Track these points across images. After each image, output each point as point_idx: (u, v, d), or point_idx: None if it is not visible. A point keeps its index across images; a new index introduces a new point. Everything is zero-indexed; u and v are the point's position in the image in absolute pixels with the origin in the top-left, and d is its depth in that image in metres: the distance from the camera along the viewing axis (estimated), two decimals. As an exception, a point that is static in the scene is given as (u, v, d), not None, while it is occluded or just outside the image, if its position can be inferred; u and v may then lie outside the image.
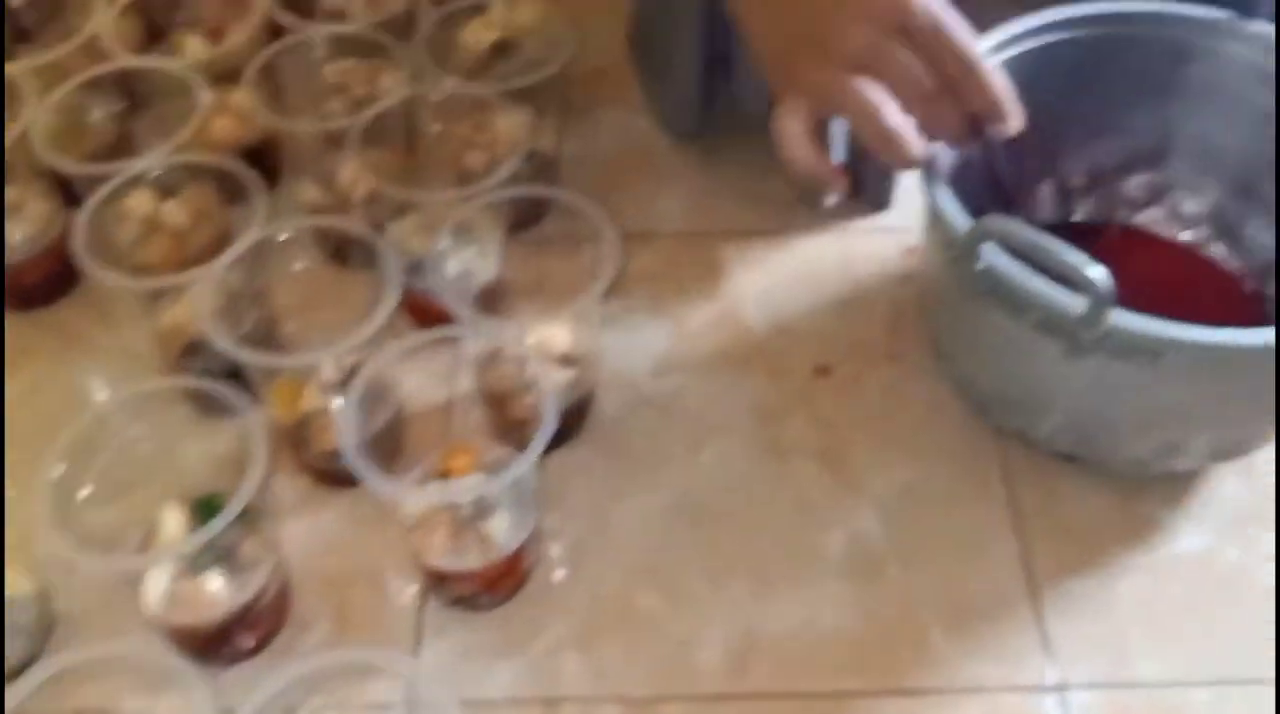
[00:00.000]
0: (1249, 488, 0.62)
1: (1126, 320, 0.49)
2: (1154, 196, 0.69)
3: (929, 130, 0.53)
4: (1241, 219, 0.66)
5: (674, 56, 0.76)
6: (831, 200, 0.55)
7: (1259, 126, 0.63)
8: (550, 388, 0.56)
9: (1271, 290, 0.66)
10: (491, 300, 0.66)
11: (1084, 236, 0.69)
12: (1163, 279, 0.68)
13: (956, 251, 0.53)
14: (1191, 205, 0.68)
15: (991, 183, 0.59)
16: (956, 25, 0.51)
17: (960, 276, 0.53)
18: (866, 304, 0.72)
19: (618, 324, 0.71)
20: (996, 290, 0.53)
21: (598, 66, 0.86)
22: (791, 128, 0.54)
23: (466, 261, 0.65)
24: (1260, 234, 0.66)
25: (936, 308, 0.63)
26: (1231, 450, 0.58)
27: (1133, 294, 0.64)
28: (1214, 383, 0.53)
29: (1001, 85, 0.53)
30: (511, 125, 0.73)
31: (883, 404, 0.67)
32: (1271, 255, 0.66)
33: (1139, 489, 0.62)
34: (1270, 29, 0.61)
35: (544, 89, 0.73)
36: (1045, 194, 0.70)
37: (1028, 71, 0.62)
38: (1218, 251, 0.68)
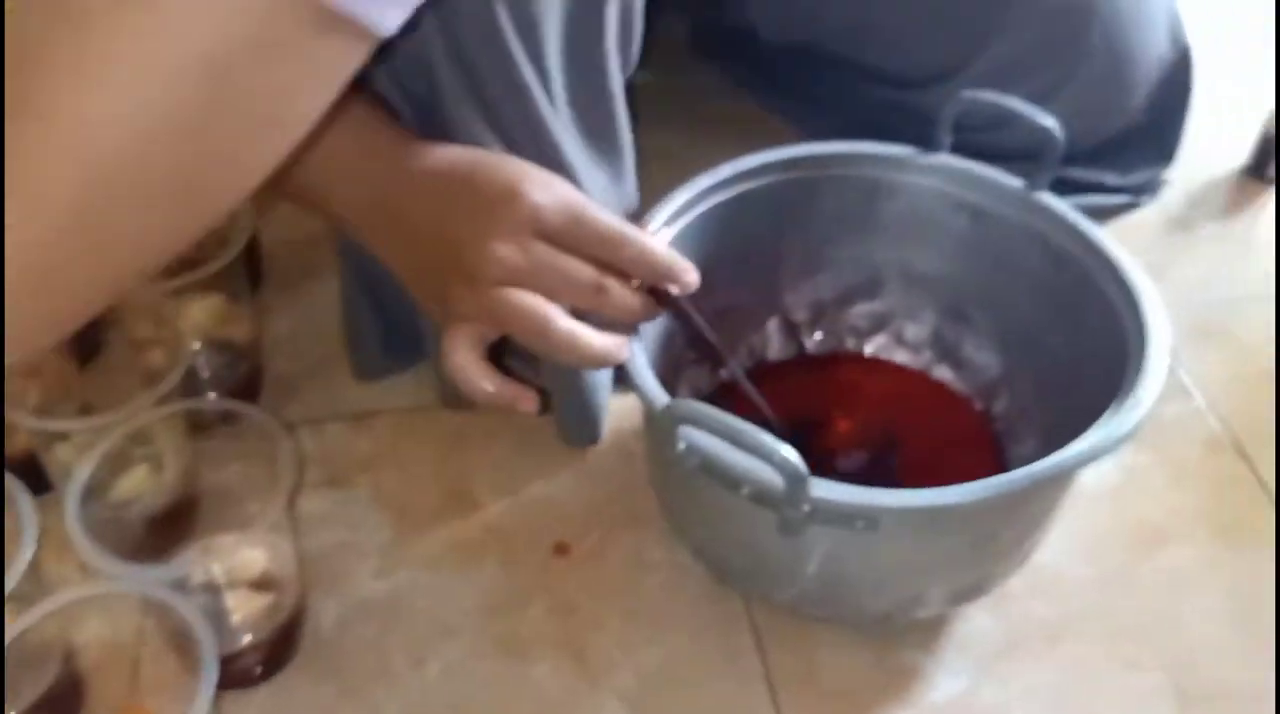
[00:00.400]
0: (999, 621, 0.60)
1: (830, 493, 0.47)
2: (877, 325, 0.68)
3: (610, 317, 0.50)
4: (959, 342, 0.66)
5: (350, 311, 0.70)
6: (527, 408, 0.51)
7: (959, 253, 0.63)
8: (214, 631, 0.49)
9: (998, 409, 0.65)
10: (173, 522, 0.58)
11: (815, 368, 0.70)
12: (897, 405, 0.68)
13: (657, 433, 0.49)
14: (912, 332, 0.67)
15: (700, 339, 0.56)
16: (593, 210, 0.49)
17: (667, 457, 0.50)
18: (603, 466, 0.68)
19: (335, 521, 0.65)
20: (705, 467, 0.49)
21: (310, 232, 0.81)
22: (460, 359, 0.50)
23: (136, 483, 0.58)
24: (978, 355, 0.66)
25: (661, 479, 0.59)
26: (971, 592, 0.56)
27: (868, 422, 0.63)
28: (936, 539, 0.51)
29: (659, 250, 0.51)
30: (198, 316, 0.66)
31: (626, 578, 0.63)
32: (993, 374, 0.65)
33: (893, 639, 0.59)
34: (953, 160, 0.61)
35: (229, 272, 0.66)
36: (773, 330, 0.69)
37: (741, 214, 0.61)
38: (944, 374, 0.67)
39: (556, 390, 0.64)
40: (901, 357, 0.68)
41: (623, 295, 0.50)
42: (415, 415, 0.71)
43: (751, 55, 0.86)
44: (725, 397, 0.66)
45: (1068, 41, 0.72)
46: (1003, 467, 0.63)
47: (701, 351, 0.57)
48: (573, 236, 0.48)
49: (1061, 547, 0.62)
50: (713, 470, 0.49)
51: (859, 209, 0.63)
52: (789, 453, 0.45)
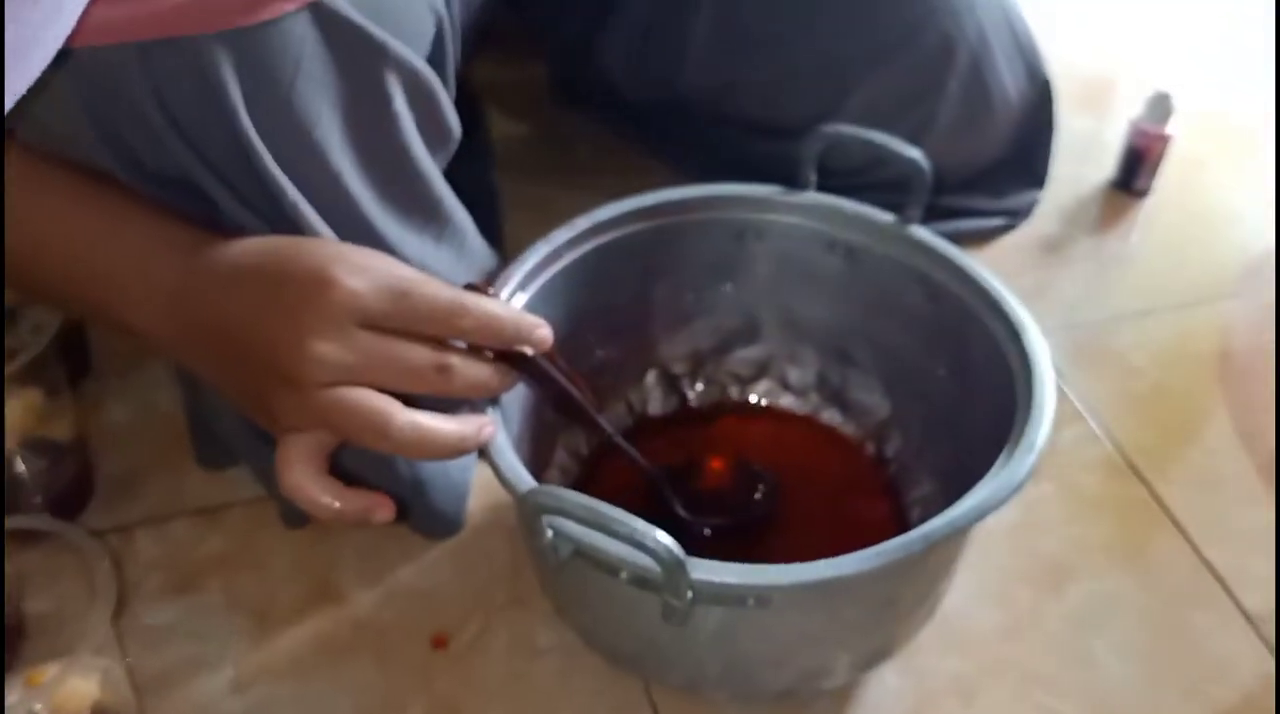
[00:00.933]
0: (909, 681, 0.57)
1: (714, 574, 0.42)
2: (759, 371, 0.65)
3: (462, 397, 0.45)
4: (845, 384, 0.63)
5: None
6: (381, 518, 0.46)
7: (836, 293, 0.60)
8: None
9: (890, 451, 0.62)
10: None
11: (698, 421, 0.66)
12: (786, 454, 0.64)
13: (522, 522, 0.45)
14: (796, 376, 0.64)
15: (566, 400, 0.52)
16: (420, 284, 0.44)
17: (535, 546, 0.45)
18: (480, 546, 0.63)
19: (184, 633, 0.58)
20: (579, 554, 0.45)
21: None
22: (294, 479, 0.44)
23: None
24: (866, 396, 0.63)
25: (538, 563, 0.54)
26: (878, 657, 0.53)
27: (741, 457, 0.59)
28: (834, 610, 0.47)
29: (501, 312, 0.46)
30: (12, 415, 0.59)
31: (513, 667, 0.57)
32: (882, 415, 0.63)
33: (801, 709, 0.55)
34: (824, 198, 0.58)
35: (41, 364, 0.60)
36: (651, 383, 0.65)
37: (604, 266, 0.58)
38: (833, 417, 0.64)
39: (408, 488, 0.58)
40: (787, 402, 0.65)
41: (471, 371, 0.45)
42: (270, 505, 0.64)
43: (619, 104, 0.83)
44: (608, 456, 0.63)
45: (929, 88, 0.72)
46: (901, 512, 0.61)
47: (570, 415, 0.53)
48: (400, 317, 0.43)
49: (968, 592, 0.59)
50: (587, 557, 0.44)
51: (728, 253, 0.60)
52: (663, 538, 0.40)
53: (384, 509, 0.45)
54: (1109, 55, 1.02)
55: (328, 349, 0.41)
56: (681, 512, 0.57)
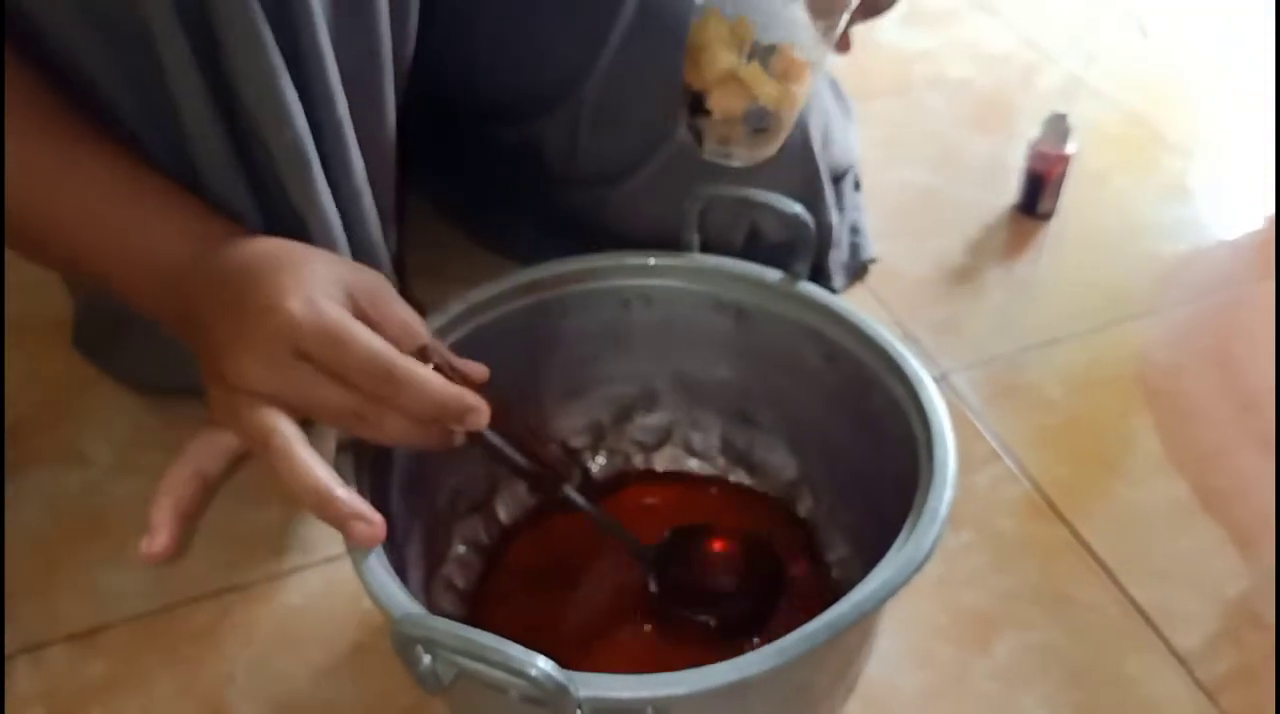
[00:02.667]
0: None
1: (603, 690, 0.39)
2: (661, 438, 0.62)
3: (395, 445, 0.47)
4: (750, 446, 0.61)
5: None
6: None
7: (730, 354, 0.58)
8: None
9: (806, 510, 0.60)
10: None
11: (604, 494, 0.63)
12: (700, 518, 0.61)
13: (396, 651, 0.41)
14: (700, 440, 0.62)
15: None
16: (359, 338, 0.44)
17: (416, 673, 0.42)
18: (383, 646, 0.59)
19: (61, 775, 0.54)
20: (464, 674, 0.42)
21: (13, 417, 0.70)
22: (302, 454, 0.43)
23: None
24: (771, 456, 0.60)
25: (420, 685, 0.51)
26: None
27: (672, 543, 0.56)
28: (743, 708, 0.44)
29: (434, 389, 0.45)
30: None
31: (419, 781, 0.54)
32: (790, 475, 0.60)
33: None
34: (708, 259, 0.55)
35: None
36: (554, 459, 0.62)
37: (486, 347, 0.54)
38: (741, 478, 0.62)
39: None
40: (694, 466, 0.62)
41: (392, 427, 0.45)
42: (154, 621, 0.60)
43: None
44: (513, 537, 0.60)
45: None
46: (822, 573, 0.58)
47: (530, 482, 0.52)
48: (330, 364, 0.43)
49: (889, 657, 0.57)
50: (473, 679, 0.41)
51: (616, 322, 0.57)
52: (542, 664, 0.37)
53: (374, 523, 0.44)
54: (1003, 75, 1.02)
55: (256, 369, 0.43)
56: (661, 600, 0.54)
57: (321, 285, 0.45)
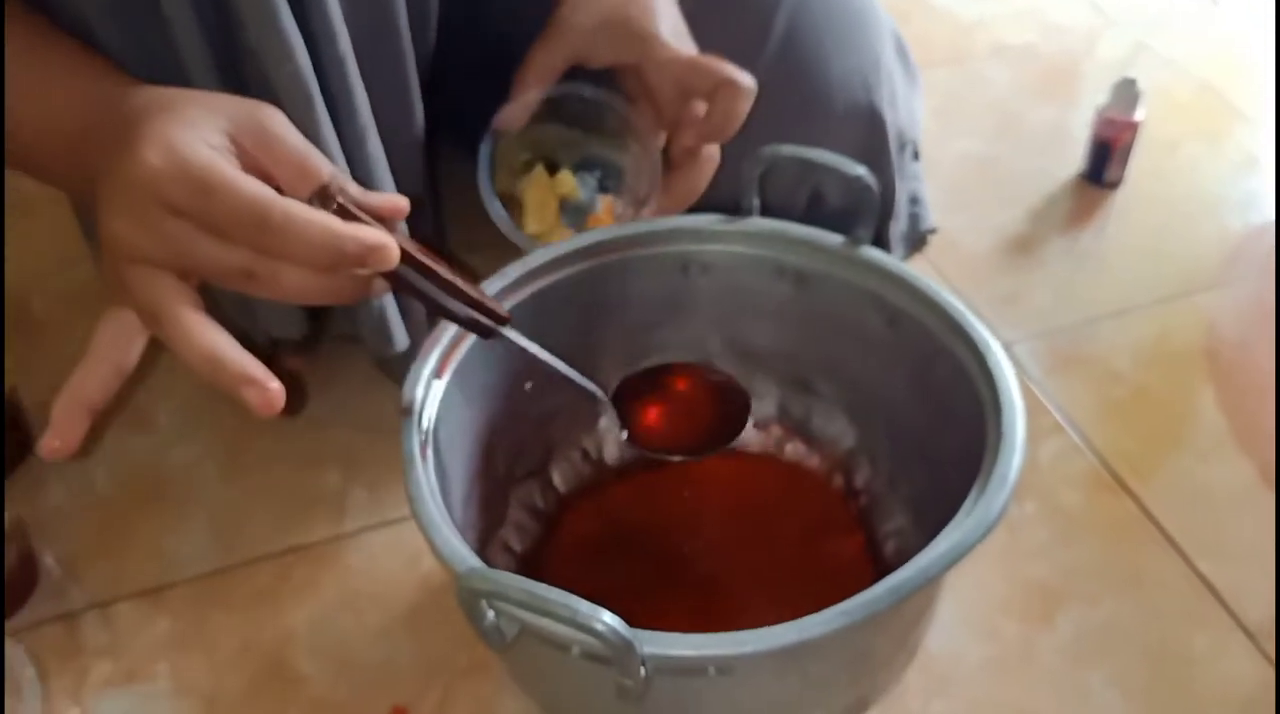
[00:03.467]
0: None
1: (668, 647, 0.39)
2: (718, 406, 0.62)
3: (293, 302, 0.41)
4: (808, 414, 0.60)
5: None
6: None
7: (790, 321, 0.57)
8: None
9: (859, 482, 0.59)
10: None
11: (656, 466, 0.62)
12: (753, 493, 0.61)
13: (462, 606, 0.42)
14: (757, 409, 0.61)
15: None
16: (228, 184, 0.39)
17: (481, 629, 0.42)
18: (440, 607, 0.60)
19: (131, 726, 0.55)
20: (526, 633, 0.42)
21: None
22: (189, 315, 0.40)
23: None
24: (830, 426, 0.60)
25: (483, 640, 0.51)
26: (858, 707, 0.49)
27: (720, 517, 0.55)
28: (804, 670, 0.44)
29: (316, 234, 0.39)
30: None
31: (476, 739, 0.55)
32: (848, 445, 0.59)
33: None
34: (768, 223, 0.55)
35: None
36: (605, 427, 0.62)
37: (546, 311, 0.54)
38: (796, 450, 0.61)
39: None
40: (750, 435, 0.62)
41: (289, 281, 0.40)
42: (217, 580, 0.61)
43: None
44: (571, 505, 0.60)
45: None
46: (876, 547, 0.57)
47: (464, 325, 0.47)
48: (200, 216, 0.39)
49: (951, 628, 0.56)
50: (535, 635, 0.41)
51: (674, 287, 0.57)
52: (608, 619, 0.37)
53: (270, 389, 0.40)
54: (1069, 42, 0.99)
55: (126, 229, 0.39)
56: (630, 442, 0.53)
57: (191, 129, 0.40)
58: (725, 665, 0.41)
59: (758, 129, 0.56)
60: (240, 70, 0.48)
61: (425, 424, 0.48)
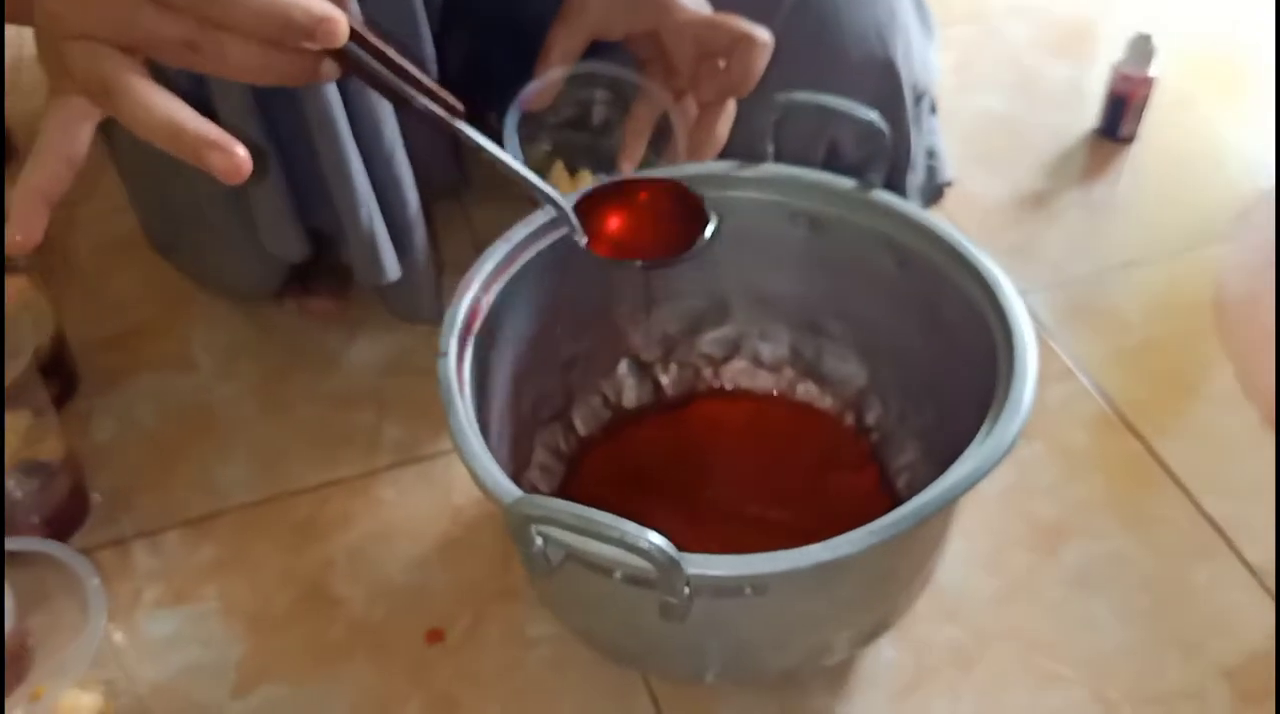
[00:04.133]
0: (907, 653, 0.56)
1: (710, 568, 0.41)
2: (731, 350, 0.64)
3: (240, 80, 0.41)
4: (819, 356, 0.62)
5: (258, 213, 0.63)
6: None
7: (803, 264, 0.59)
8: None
9: (871, 419, 0.62)
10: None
11: (673, 410, 0.64)
12: (767, 433, 0.64)
13: (511, 530, 0.44)
14: (769, 351, 0.63)
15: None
16: None
17: (528, 554, 0.45)
18: (470, 539, 0.63)
19: (185, 641, 0.59)
20: (571, 558, 0.44)
21: (127, 326, 0.74)
22: (140, 84, 0.39)
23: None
24: (841, 366, 0.62)
25: (532, 570, 0.54)
26: (877, 630, 0.52)
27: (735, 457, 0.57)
28: (832, 590, 0.47)
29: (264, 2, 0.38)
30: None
31: (508, 658, 0.57)
32: (860, 384, 0.62)
33: (799, 688, 0.55)
34: (782, 168, 0.57)
35: (25, 384, 0.60)
36: (624, 372, 0.64)
37: (565, 258, 0.56)
38: (809, 391, 0.63)
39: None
40: (762, 378, 0.64)
41: (234, 55, 0.39)
42: (259, 510, 0.65)
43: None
44: (591, 449, 0.62)
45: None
46: (888, 481, 0.60)
47: (418, 116, 0.46)
48: None
49: (962, 559, 0.59)
50: (580, 560, 0.44)
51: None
52: (655, 539, 0.40)
53: (235, 154, 0.39)
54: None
55: (63, 3, 0.38)
56: (589, 248, 0.54)
57: None
58: (760, 584, 0.43)
59: (774, 82, 0.58)
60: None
61: (463, 368, 0.50)
